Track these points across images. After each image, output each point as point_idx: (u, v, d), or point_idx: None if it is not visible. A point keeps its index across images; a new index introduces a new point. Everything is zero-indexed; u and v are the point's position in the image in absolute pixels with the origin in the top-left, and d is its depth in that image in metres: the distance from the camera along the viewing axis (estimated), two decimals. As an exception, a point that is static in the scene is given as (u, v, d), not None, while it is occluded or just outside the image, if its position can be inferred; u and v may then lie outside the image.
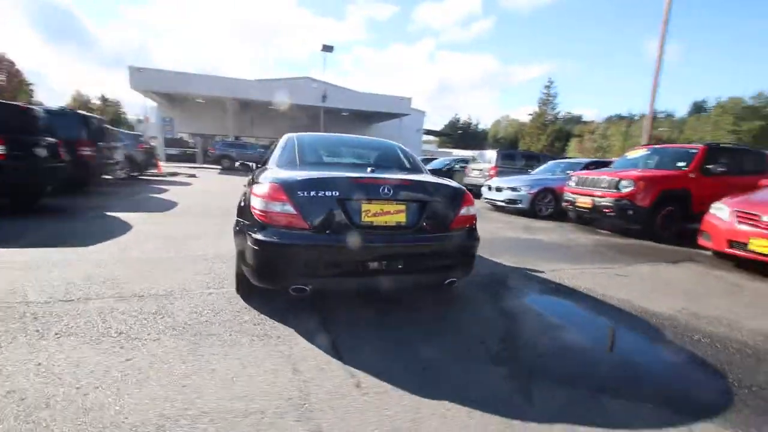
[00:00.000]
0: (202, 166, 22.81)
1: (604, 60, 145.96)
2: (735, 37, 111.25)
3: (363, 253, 2.37)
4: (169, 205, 7.18)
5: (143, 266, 3.45)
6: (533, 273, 3.97)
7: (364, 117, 30.18)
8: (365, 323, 2.57)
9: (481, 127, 79.27)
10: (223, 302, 2.76)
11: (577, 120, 74.25)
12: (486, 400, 1.81)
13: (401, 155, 3.43)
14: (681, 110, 79.77)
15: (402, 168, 3.19)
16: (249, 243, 2.38)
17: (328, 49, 24.46)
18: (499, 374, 2.07)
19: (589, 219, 7.54)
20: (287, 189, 2.35)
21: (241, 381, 1.85)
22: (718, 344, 2.54)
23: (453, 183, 2.94)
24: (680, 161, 6.79)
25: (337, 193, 2.38)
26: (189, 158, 25.51)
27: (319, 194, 2.36)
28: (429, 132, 53.05)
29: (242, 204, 2.73)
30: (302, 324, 2.48)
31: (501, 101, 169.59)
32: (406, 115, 27.76)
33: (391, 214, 2.45)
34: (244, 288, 2.75)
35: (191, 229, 5.23)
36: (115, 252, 3.88)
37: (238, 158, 21.40)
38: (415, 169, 3.25)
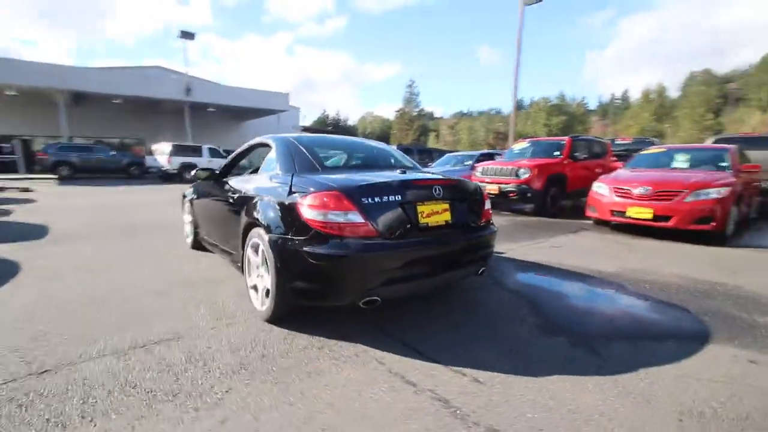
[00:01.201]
0: (28, 176, 17.75)
1: (445, 61, 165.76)
2: (544, 44, 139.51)
3: (427, 255, 2.39)
4: (39, 231, 5.53)
5: (94, 309, 2.70)
6: (497, 255, 4.48)
7: (236, 113, 27.88)
8: (418, 325, 2.59)
9: (350, 123, 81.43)
10: (256, 331, 2.40)
11: (429, 116, 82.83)
12: (573, 360, 2.10)
13: (402, 156, 3.45)
14: (507, 108, 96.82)
15: (410, 168, 3.24)
16: (310, 259, 2.14)
17: (188, 36, 21.67)
18: (559, 342, 2.38)
19: (495, 203, 8.71)
20: (351, 196, 2.19)
21: (371, 408, 1.71)
22: (664, 288, 3.38)
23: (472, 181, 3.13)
24: (555, 150, 8.40)
25: (399, 197, 2.33)
26: (3, 167, 19.40)
27: (383, 199, 2.28)
28: (306, 129, 51.93)
29: (277, 217, 2.39)
30: (365, 336, 2.36)
31: (362, 98, 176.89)
32: (284, 111, 26.72)
33: (439, 214, 2.51)
34: (279, 311, 2.43)
35: (103, 255, 4.21)
36: (34, 295, 2.91)
37: (89, 165, 17.52)
38: (416, 168, 3.33)
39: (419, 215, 2.40)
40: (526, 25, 13.84)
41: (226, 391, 1.80)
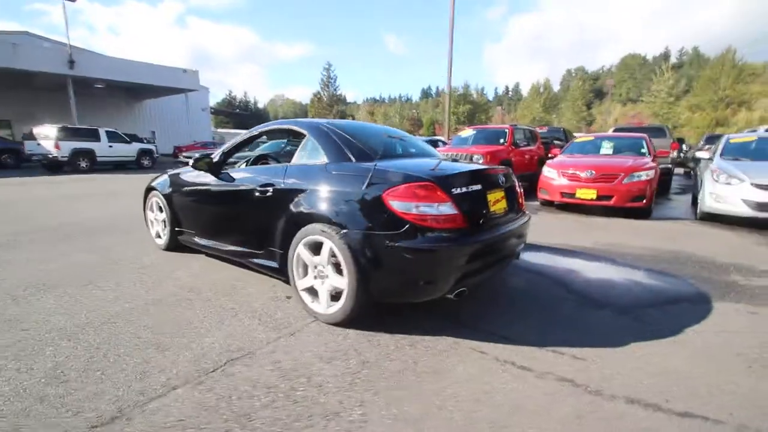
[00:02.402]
0: None
1: (356, 46, 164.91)
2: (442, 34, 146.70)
3: (502, 243, 2.42)
4: None
5: (120, 334, 2.20)
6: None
7: (132, 92, 24.22)
8: (481, 313, 2.62)
9: (261, 106, 76.50)
10: (331, 337, 2.20)
11: (343, 101, 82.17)
12: (630, 328, 2.37)
13: (424, 143, 3.38)
14: (416, 95, 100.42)
15: (435, 156, 3.20)
16: (406, 255, 2.02)
17: (67, -5, 17.96)
18: (608, 314, 2.64)
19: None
20: (444, 186, 2.10)
21: (514, 399, 1.72)
22: (642, 258, 3.92)
23: None
24: (500, 138, 9.04)
25: (479, 186, 2.31)
26: None
27: (469, 189, 2.24)
28: (217, 112, 47.28)
29: (354, 211, 2.18)
30: (445, 329, 2.33)
31: (271, 79, 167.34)
32: (194, 90, 23.99)
33: (500, 202, 2.56)
34: (355, 313, 2.25)
35: (61, 267, 3.42)
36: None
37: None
38: (436, 155, 3.31)
39: (489, 204, 2.41)
40: (431, 13, 14.40)
41: (359, 405, 1.64)
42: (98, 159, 15.15)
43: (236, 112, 65.09)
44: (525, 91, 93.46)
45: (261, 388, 1.74)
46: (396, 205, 2.06)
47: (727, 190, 5.65)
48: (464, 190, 2.21)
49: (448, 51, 13.38)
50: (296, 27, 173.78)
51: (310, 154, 2.65)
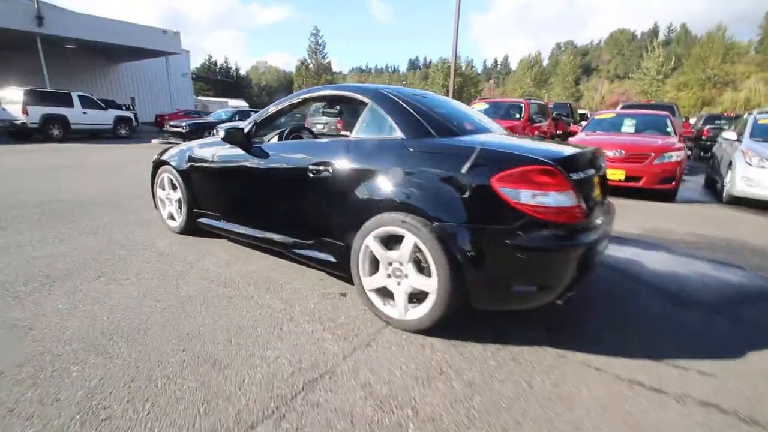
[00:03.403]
0: None
1: (338, 11, 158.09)
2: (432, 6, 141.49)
3: (605, 237, 2.08)
4: None
5: (160, 343, 1.81)
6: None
7: (109, 53, 22.45)
8: (563, 315, 2.33)
9: (242, 72, 73.04)
10: (417, 349, 1.87)
11: (329, 70, 79.14)
12: (737, 332, 2.10)
13: (487, 118, 2.96)
14: (403, 66, 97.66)
15: (508, 133, 2.80)
16: (522, 254, 1.67)
17: (28, -60, 16.07)
18: (700, 315, 2.38)
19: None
20: (566, 171, 1.73)
21: (664, 430, 1.43)
22: (697, 247, 3.69)
23: None
24: (516, 113, 8.63)
25: (592, 171, 1.95)
26: None
27: (585, 174, 1.89)
28: (198, 78, 44.70)
29: (452, 198, 1.78)
30: (538, 339, 2.02)
31: (249, 46, 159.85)
32: (175, 54, 22.40)
33: (597, 188, 2.21)
34: (443, 319, 1.90)
35: (59, 255, 2.95)
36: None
37: None
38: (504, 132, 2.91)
39: (594, 192, 2.06)
40: (454, -20, 13.54)
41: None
42: (72, 126, 13.94)
43: (218, 79, 62.05)
44: (513, 64, 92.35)
45: (361, 424, 1.40)
46: (508, 192, 1.68)
47: (761, 174, 5.46)
48: (581, 175, 1.85)
49: (455, 20, 12.64)
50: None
51: (375, 128, 2.22)
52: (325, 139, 2.55)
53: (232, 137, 2.65)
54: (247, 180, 2.74)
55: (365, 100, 2.29)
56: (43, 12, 16.49)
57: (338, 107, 3.94)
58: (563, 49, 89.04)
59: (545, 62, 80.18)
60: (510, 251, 1.68)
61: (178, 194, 3.35)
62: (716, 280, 2.94)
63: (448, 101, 2.59)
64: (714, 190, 7.26)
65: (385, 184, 1.98)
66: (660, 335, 2.11)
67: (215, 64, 66.60)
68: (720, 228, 4.42)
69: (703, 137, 13.09)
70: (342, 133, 4.64)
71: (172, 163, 3.31)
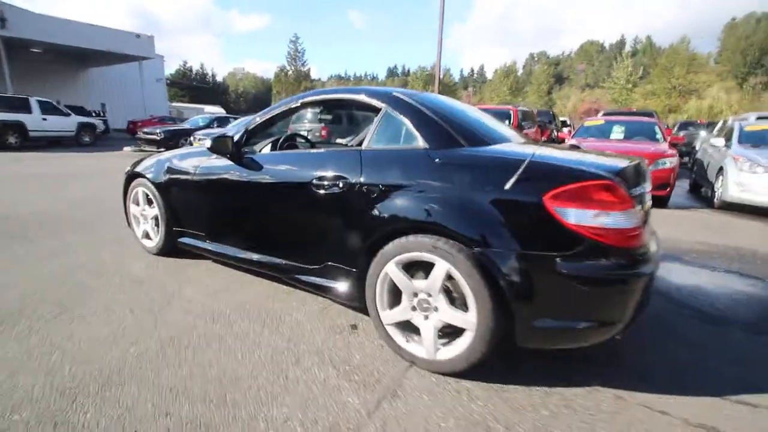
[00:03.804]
0: None
1: (316, 19, 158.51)
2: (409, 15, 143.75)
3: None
4: None
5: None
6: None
7: (79, 58, 21.37)
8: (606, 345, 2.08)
9: (219, 79, 71.51)
10: (455, 398, 1.57)
11: (308, 77, 78.61)
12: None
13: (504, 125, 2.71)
14: (382, 74, 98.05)
15: (531, 142, 2.56)
16: (581, 286, 1.41)
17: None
18: (736, 333, 2.19)
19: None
20: (626, 187, 1.48)
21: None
22: (711, 257, 3.55)
23: None
24: (505, 119, 8.53)
25: (646, 185, 1.72)
26: None
27: (642, 188, 1.65)
28: (173, 84, 43.26)
29: (494, 219, 1.50)
30: (590, 375, 1.76)
31: (226, 53, 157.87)
32: (148, 58, 21.55)
33: (647, 205, 1.97)
34: (486, 355, 1.61)
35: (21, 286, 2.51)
36: None
37: None
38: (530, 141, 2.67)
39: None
40: (435, -12, 13.52)
41: None
42: (30, 134, 12.78)
43: (194, 85, 60.56)
44: (489, 73, 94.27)
45: None
46: (565, 212, 1.41)
47: (752, 179, 5.48)
48: (638, 191, 1.61)
49: (438, 30, 12.58)
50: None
51: (392, 137, 1.93)
52: (329, 150, 2.24)
53: (220, 147, 2.31)
54: (239, 195, 2.40)
55: (378, 104, 2.00)
56: (6, 14, 15.51)
57: (333, 113, 3.63)
58: (536, 59, 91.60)
59: (519, 72, 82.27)
60: (567, 282, 1.42)
61: (154, 210, 2.95)
62: (744, 295, 2.77)
63: (464, 108, 2.33)
64: (700, 195, 7.33)
65: (408, 202, 1.69)
66: (711, 364, 1.89)
67: (190, 69, 65.03)
68: (724, 235, 4.34)
69: (679, 143, 13.48)
70: (338, 141, 4.30)
71: (148, 176, 2.92)
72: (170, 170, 2.80)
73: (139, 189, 3.05)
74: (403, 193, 1.71)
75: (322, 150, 2.23)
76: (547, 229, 1.44)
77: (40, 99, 13.58)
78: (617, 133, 7.47)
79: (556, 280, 1.43)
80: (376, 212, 1.76)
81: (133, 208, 3.18)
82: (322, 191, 1.94)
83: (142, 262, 2.97)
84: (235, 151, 2.37)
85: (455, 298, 1.65)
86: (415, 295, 1.71)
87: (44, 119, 13.34)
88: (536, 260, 1.44)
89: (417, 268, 1.72)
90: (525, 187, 1.48)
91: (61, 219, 4.09)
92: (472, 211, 1.55)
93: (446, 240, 1.57)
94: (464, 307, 1.59)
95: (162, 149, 11.34)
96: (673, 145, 6.78)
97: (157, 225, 2.99)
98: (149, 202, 3.01)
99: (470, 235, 1.52)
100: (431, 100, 2.07)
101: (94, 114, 17.89)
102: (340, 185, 1.88)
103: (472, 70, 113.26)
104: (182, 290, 2.50)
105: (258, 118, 2.46)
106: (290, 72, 48.30)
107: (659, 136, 6.97)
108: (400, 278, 1.71)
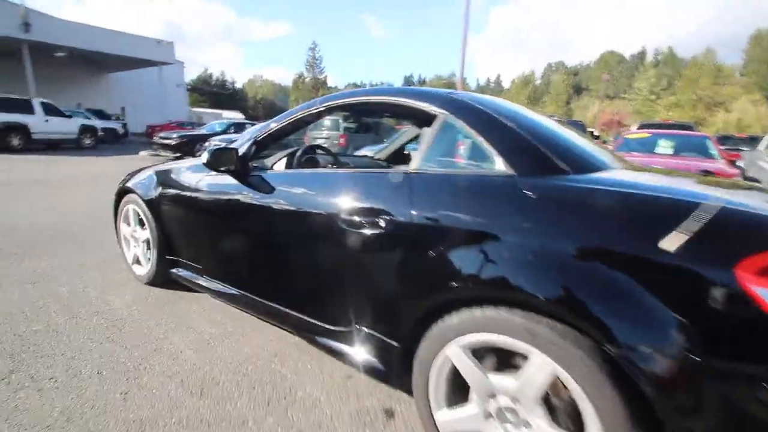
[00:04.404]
0: None
1: (335, 28, 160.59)
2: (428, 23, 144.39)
3: None
4: None
5: None
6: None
7: (100, 62, 21.62)
8: None
9: (238, 85, 72.50)
10: None
11: (323, 83, 79.09)
12: None
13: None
14: (398, 82, 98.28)
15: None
16: None
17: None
18: None
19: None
20: None
21: None
22: None
23: None
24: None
25: None
26: None
27: None
28: (194, 89, 43.81)
29: (658, 300, 0.92)
30: None
31: (247, 59, 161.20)
32: (168, 64, 21.65)
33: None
34: None
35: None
36: None
37: None
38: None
39: None
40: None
41: None
42: (33, 136, 12.33)
43: (214, 91, 61.54)
44: (506, 83, 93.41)
45: None
46: (768, 296, 0.83)
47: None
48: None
49: (462, 39, 12.08)
50: (274, 3, 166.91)
51: (455, 155, 1.38)
52: (365, 171, 1.69)
53: (221, 162, 1.79)
54: (243, 223, 1.87)
55: (435, 110, 1.44)
56: (31, 19, 15.67)
57: (360, 122, 3.10)
58: (554, 69, 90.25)
59: (538, 81, 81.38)
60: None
61: (146, 233, 2.47)
62: None
63: (537, 113, 1.75)
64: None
65: (485, 255, 1.13)
66: None
67: (211, 76, 66.22)
68: None
69: (735, 160, 12.73)
70: (364, 153, 3.67)
71: (138, 192, 2.44)
72: (163, 185, 2.31)
73: (130, 207, 2.57)
74: (477, 240, 1.15)
75: (354, 170, 1.69)
76: (740, 320, 0.85)
77: (43, 101, 13.08)
78: (664, 147, 6.79)
79: (762, 409, 0.84)
80: (432, 266, 1.21)
81: (123, 228, 2.70)
82: (353, 229, 1.39)
83: (129, 294, 2.48)
84: (241, 167, 1.85)
85: (555, 407, 1.08)
86: (494, 396, 1.14)
87: (47, 121, 12.91)
88: (724, 373, 0.85)
89: (491, 353, 1.16)
90: (700, 250, 0.90)
91: (53, 234, 3.66)
92: (598, 281, 0.97)
93: (552, 323, 1.00)
94: (571, 425, 1.02)
95: (178, 154, 11.05)
96: (731, 162, 6.09)
97: (148, 249, 2.50)
98: (140, 222, 2.52)
99: (596, 319, 0.94)
100: (505, 106, 1.52)
101: (114, 118, 17.88)
102: (381, 223, 1.33)
103: (488, 80, 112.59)
104: (169, 337, 1.99)
105: (273, 124, 1.94)
106: (308, 79, 48.47)
107: (714, 152, 6.25)
108: (470, 368, 1.15)
